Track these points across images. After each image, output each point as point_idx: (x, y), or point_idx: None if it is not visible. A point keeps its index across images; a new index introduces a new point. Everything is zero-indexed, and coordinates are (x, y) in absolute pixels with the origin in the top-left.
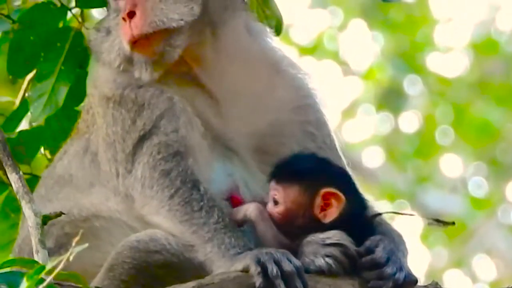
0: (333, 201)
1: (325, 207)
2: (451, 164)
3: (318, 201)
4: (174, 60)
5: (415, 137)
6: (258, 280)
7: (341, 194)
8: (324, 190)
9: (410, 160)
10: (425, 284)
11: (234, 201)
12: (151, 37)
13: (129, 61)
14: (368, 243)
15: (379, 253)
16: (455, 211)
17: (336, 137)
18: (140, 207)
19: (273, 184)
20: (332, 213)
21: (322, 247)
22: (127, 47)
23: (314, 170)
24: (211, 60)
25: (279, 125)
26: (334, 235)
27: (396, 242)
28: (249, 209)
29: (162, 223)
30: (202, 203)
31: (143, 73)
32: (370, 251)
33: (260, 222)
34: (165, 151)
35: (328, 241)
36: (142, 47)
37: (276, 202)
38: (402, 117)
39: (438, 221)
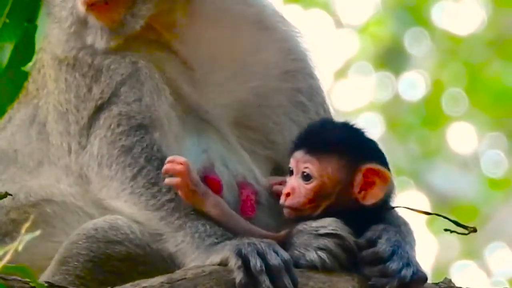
0: (377, 180)
1: (365, 186)
2: (462, 136)
3: (359, 178)
4: (136, 30)
5: (420, 104)
6: (238, 276)
7: (387, 173)
8: (367, 166)
9: (414, 131)
10: (436, 282)
11: (210, 182)
12: (111, 2)
13: (82, 23)
14: (369, 233)
15: (383, 246)
16: (466, 192)
17: (331, 107)
18: (97, 189)
19: (302, 155)
20: (375, 195)
21: (314, 238)
22: (81, 8)
23: (355, 140)
24: (184, 26)
25: (264, 94)
26: (329, 224)
27: (402, 232)
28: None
29: (124, 208)
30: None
31: (97, 41)
32: (372, 243)
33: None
34: (126, 123)
35: (322, 231)
36: (99, 12)
37: (307, 177)
38: (405, 80)
39: (457, 224)
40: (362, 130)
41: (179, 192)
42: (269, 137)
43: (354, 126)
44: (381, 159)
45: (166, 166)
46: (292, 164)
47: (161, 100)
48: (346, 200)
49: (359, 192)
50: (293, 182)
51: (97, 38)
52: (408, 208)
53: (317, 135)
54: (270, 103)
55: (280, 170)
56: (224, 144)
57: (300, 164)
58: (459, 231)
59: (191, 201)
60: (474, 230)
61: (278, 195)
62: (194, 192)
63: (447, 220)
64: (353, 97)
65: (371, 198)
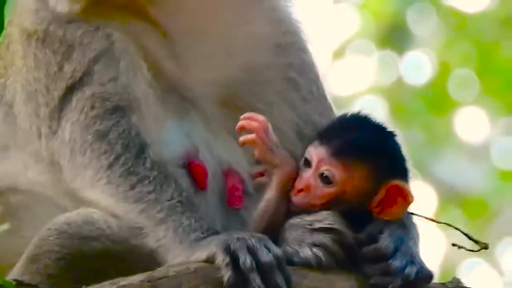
0: (400, 200)
1: (386, 202)
2: (471, 123)
3: (382, 193)
4: None
5: (426, 87)
6: (226, 274)
7: (411, 194)
8: (394, 183)
9: (419, 117)
10: (443, 282)
11: (194, 168)
12: None
13: None
14: (370, 228)
15: (385, 242)
16: (475, 184)
17: (326, 85)
18: (70, 179)
19: (326, 155)
20: (393, 214)
21: (309, 233)
22: None
23: (389, 149)
24: None
25: (253, 70)
26: (325, 218)
27: (406, 227)
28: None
29: (100, 200)
30: (151, 173)
31: (59, 2)
32: (373, 238)
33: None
34: (101, 105)
35: (317, 225)
36: None
37: (327, 180)
38: (409, 61)
39: (469, 238)
40: (395, 134)
41: (256, 152)
42: None
43: (388, 129)
44: (406, 173)
45: (241, 123)
46: (311, 157)
47: (138, 78)
48: (358, 209)
49: (377, 207)
50: (310, 179)
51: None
52: (416, 215)
53: (347, 135)
54: (259, 80)
55: None
56: (209, 126)
57: (322, 163)
58: (467, 248)
59: (267, 161)
60: (486, 247)
61: (260, 187)
62: (272, 152)
63: (458, 231)
64: (353, 79)
65: (388, 215)
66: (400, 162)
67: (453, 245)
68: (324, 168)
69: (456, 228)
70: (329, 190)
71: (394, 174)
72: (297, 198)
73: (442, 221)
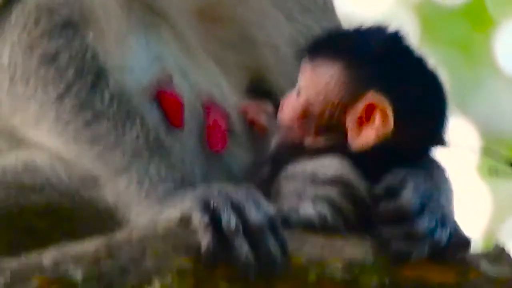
0: (377, 118)
1: (364, 120)
2: None
3: (360, 107)
4: None
5: (463, 3)
6: (205, 238)
7: (390, 114)
8: (373, 96)
9: (453, 38)
10: (484, 251)
11: (165, 101)
12: None
13: None
14: (389, 179)
15: (408, 196)
16: None
17: None
18: (8, 114)
19: (304, 62)
20: (368, 137)
21: (310, 184)
22: None
23: (379, 54)
24: None
25: None
26: (330, 165)
27: (434, 179)
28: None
29: (45, 140)
30: (110, 108)
31: None
32: (393, 192)
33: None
34: (48, 21)
35: (322, 176)
36: None
37: (298, 91)
38: None
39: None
40: (412, 48)
41: None
42: (247, 33)
43: (402, 39)
44: (406, 90)
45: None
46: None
47: None
48: (339, 134)
49: (353, 128)
50: (291, 93)
51: None
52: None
53: (333, 36)
54: None
55: (262, 84)
56: (184, 46)
57: (300, 73)
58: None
59: None
60: None
61: (251, 123)
62: None
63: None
64: None
65: (361, 140)
66: (393, 67)
67: (490, 173)
68: (299, 78)
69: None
70: (298, 101)
71: (378, 84)
72: (279, 117)
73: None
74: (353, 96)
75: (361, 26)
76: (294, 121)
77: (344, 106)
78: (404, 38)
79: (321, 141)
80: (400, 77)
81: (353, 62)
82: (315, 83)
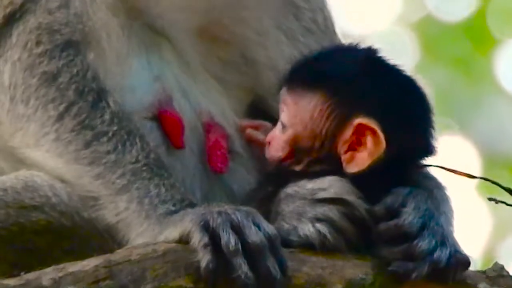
0: (369, 140)
1: (356, 145)
2: None
3: (348, 133)
4: None
5: (464, 21)
6: (204, 257)
7: (381, 135)
8: (361, 120)
9: (454, 57)
10: (483, 269)
11: (166, 121)
12: None
13: None
14: (389, 199)
15: (408, 217)
16: None
17: (334, 15)
18: (8, 134)
19: (284, 93)
20: (362, 160)
21: (310, 204)
22: None
23: (356, 75)
24: None
25: None
26: (331, 185)
27: (435, 199)
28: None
29: (45, 160)
30: (111, 128)
31: None
32: (393, 212)
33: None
34: (49, 40)
35: (321, 195)
36: None
37: (283, 125)
38: None
39: (510, 192)
40: (386, 61)
41: None
42: (247, 54)
43: (375, 54)
44: (389, 110)
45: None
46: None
47: (96, 3)
48: (326, 160)
49: (346, 153)
50: (276, 128)
51: None
52: (445, 168)
53: (308, 63)
54: (249, 5)
55: (262, 104)
56: (184, 66)
57: (281, 105)
58: (509, 202)
59: None
60: None
61: (252, 142)
62: None
63: (498, 186)
64: (373, 12)
65: (357, 164)
66: (375, 91)
67: (490, 199)
68: (281, 109)
69: (494, 183)
70: (285, 135)
71: (362, 109)
72: (267, 154)
73: (477, 176)
74: (340, 123)
75: (334, 47)
76: (283, 158)
77: (333, 135)
78: (377, 53)
79: (315, 168)
80: (381, 95)
81: (333, 88)
82: (300, 118)
